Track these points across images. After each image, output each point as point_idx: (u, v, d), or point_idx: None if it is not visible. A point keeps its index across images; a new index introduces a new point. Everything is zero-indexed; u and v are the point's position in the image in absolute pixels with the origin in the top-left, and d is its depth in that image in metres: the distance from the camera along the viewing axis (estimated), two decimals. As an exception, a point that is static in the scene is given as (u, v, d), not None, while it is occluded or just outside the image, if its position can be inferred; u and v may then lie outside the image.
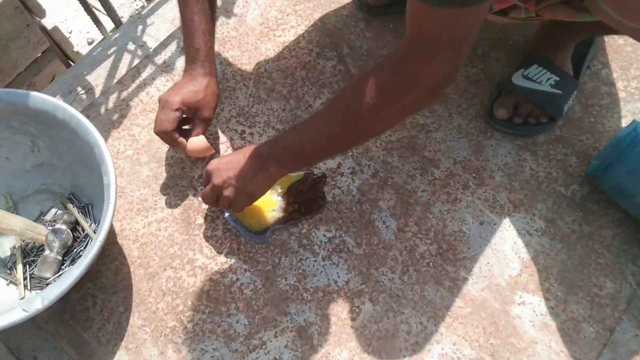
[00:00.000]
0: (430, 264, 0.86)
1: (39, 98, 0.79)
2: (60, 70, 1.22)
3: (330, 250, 0.87)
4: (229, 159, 0.78)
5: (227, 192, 0.76)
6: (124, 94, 0.98)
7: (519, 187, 0.92)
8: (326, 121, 0.72)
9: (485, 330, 0.81)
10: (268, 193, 0.86)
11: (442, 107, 0.98)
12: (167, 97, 0.84)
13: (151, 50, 1.03)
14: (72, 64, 1.19)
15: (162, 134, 0.84)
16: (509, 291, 0.84)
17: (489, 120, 0.96)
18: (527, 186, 0.92)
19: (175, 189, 0.90)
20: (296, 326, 0.81)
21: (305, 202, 0.90)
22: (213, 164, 0.79)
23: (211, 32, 0.87)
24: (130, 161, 0.92)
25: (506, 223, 0.89)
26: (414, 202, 0.90)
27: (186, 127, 0.89)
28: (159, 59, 1.02)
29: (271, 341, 0.80)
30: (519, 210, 0.90)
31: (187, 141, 0.85)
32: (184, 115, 0.85)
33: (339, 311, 0.82)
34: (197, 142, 0.85)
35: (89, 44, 1.15)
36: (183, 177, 0.91)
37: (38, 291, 0.81)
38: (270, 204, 0.89)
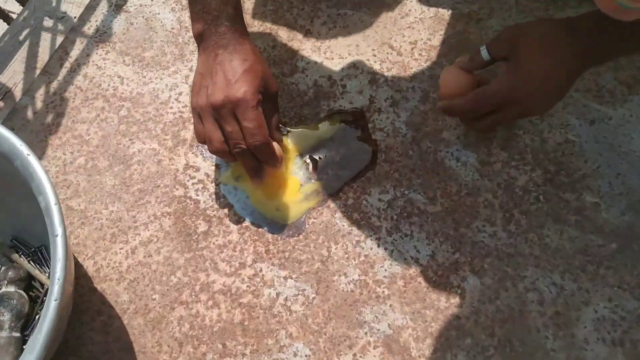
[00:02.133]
0: (540, 197, 0.60)
1: None
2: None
3: (395, 218, 0.60)
4: (537, 75, 0.52)
5: (527, 109, 0.55)
6: (54, 85, 0.70)
7: (626, 62, 0.65)
8: None
9: (647, 269, 0.55)
10: (289, 168, 0.61)
11: (486, -15, 0.70)
12: (233, 94, 0.54)
13: (75, 19, 0.75)
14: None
15: (258, 149, 0.56)
16: (662, 205, 0.58)
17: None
18: (637, 58, 0.65)
19: (156, 193, 0.63)
20: (381, 337, 0.55)
21: (343, 160, 0.63)
22: (510, 87, 0.53)
23: None
24: (85, 172, 0.65)
25: (625, 113, 0.62)
26: (491, 119, 0.63)
27: None
28: (89, 28, 0.74)
29: (352, 368, 0.54)
30: (637, 92, 0.63)
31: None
32: None
33: (435, 299, 0.56)
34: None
35: None
36: (163, 174, 0.64)
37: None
38: (295, 184, 0.62)
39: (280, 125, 0.64)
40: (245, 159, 0.57)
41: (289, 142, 0.64)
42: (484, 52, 0.56)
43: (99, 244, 0.61)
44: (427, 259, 0.58)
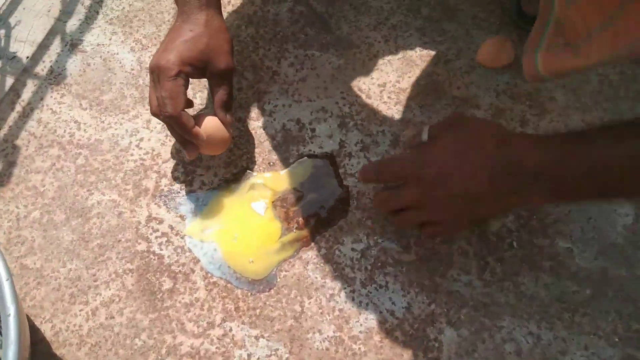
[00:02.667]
0: (514, 244, 0.59)
1: None
2: None
3: (369, 268, 0.59)
4: (449, 160, 0.50)
5: (439, 214, 0.54)
6: (5, 132, 0.66)
7: (592, 103, 0.65)
8: None
9: (620, 314, 0.56)
10: (269, 218, 0.59)
11: (453, 25, 0.70)
12: (158, 61, 0.55)
13: (27, 59, 0.71)
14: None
15: (168, 120, 0.55)
16: (632, 249, 0.58)
17: (520, 23, 0.69)
18: (601, 97, 0.65)
19: (117, 248, 0.60)
20: (358, 397, 0.53)
21: (315, 206, 0.61)
22: (417, 158, 0.53)
23: None
24: (41, 227, 0.61)
25: (594, 155, 0.62)
26: (463, 164, 0.63)
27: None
28: (42, 69, 0.70)
29: None
30: (604, 133, 0.63)
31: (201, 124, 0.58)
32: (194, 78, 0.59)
33: (412, 355, 0.55)
34: (214, 123, 0.58)
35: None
36: (124, 227, 0.61)
37: None
38: (275, 233, 0.60)
39: (249, 170, 0.62)
40: (171, 129, 0.58)
41: (263, 187, 0.62)
42: (424, 135, 0.55)
43: (57, 306, 0.57)
44: (403, 312, 0.56)
